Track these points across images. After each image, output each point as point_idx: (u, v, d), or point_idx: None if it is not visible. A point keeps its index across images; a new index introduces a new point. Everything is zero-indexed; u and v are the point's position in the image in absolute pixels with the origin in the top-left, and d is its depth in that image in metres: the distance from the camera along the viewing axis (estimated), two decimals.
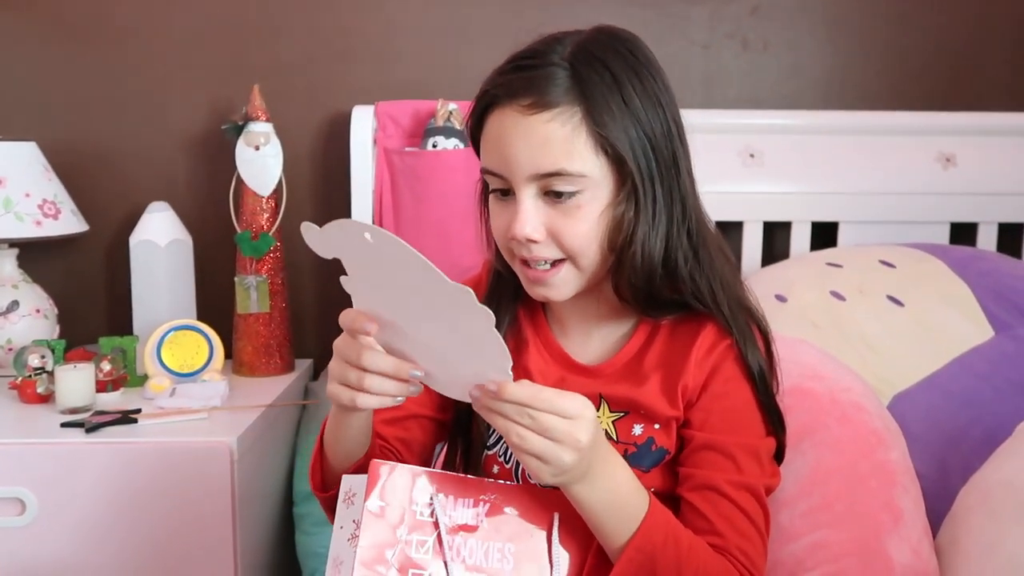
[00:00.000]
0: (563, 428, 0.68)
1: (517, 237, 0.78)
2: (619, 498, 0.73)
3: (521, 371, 0.88)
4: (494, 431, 0.91)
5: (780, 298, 1.41)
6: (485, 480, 0.78)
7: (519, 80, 0.78)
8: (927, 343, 1.32)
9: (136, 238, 1.61)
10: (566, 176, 0.77)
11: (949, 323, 1.33)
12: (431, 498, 0.74)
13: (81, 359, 1.48)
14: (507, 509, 0.76)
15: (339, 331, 0.74)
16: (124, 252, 1.65)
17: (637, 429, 0.83)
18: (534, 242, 0.79)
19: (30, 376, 1.42)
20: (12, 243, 1.59)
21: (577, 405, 0.69)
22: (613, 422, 0.84)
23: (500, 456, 0.89)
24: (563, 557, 0.75)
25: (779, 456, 0.85)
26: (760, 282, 1.48)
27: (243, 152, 1.58)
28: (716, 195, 1.69)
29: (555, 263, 0.80)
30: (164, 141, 1.75)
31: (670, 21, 1.76)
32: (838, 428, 0.98)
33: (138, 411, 1.35)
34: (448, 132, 1.60)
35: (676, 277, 0.80)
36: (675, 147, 0.80)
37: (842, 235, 1.71)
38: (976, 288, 1.37)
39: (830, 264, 1.45)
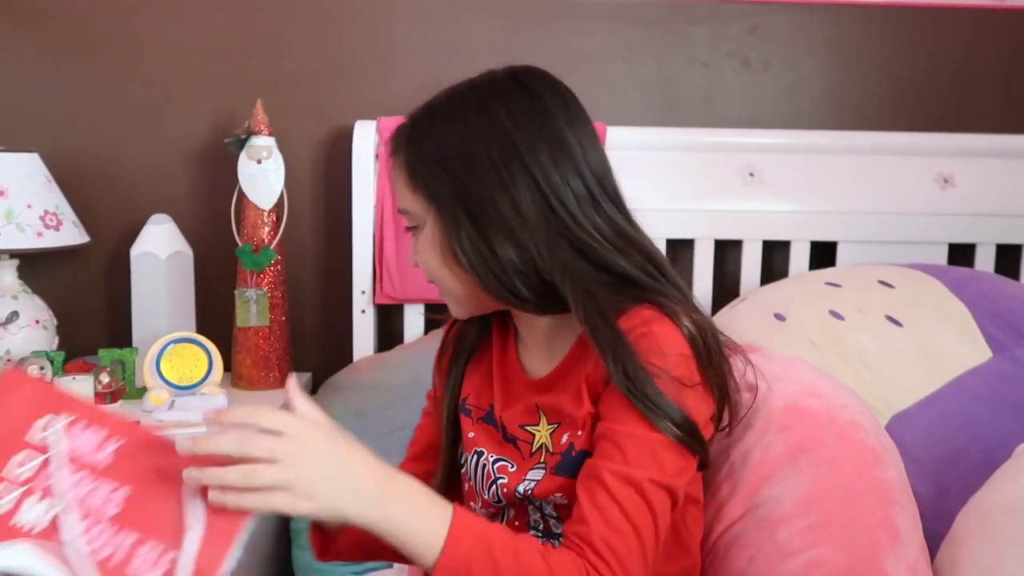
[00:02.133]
0: (266, 445, 0.69)
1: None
2: (404, 514, 0.72)
3: (484, 387, 0.95)
4: (463, 452, 0.96)
5: (779, 317, 1.41)
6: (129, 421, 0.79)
7: (393, 131, 0.91)
8: (925, 364, 1.32)
9: (137, 250, 1.62)
10: (402, 211, 0.89)
11: (947, 344, 1.34)
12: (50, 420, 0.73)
13: (80, 370, 1.48)
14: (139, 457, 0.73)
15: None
16: (125, 264, 1.65)
17: (564, 438, 0.86)
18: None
19: None
20: (13, 254, 1.60)
21: (275, 419, 0.71)
22: (550, 434, 0.87)
23: (469, 475, 0.94)
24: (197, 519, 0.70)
25: (702, 462, 0.82)
26: (759, 301, 1.49)
27: (245, 165, 1.59)
28: (716, 213, 1.72)
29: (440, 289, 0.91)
30: (166, 153, 1.76)
31: (671, 40, 1.77)
32: (835, 445, 0.98)
33: (136, 423, 1.35)
34: None
35: (532, 289, 0.83)
36: (507, 173, 0.83)
37: (840, 255, 1.72)
38: (974, 309, 1.38)
39: (829, 283, 1.46)
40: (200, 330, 1.63)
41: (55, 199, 1.62)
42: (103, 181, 1.76)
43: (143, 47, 1.75)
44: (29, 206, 1.56)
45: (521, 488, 0.88)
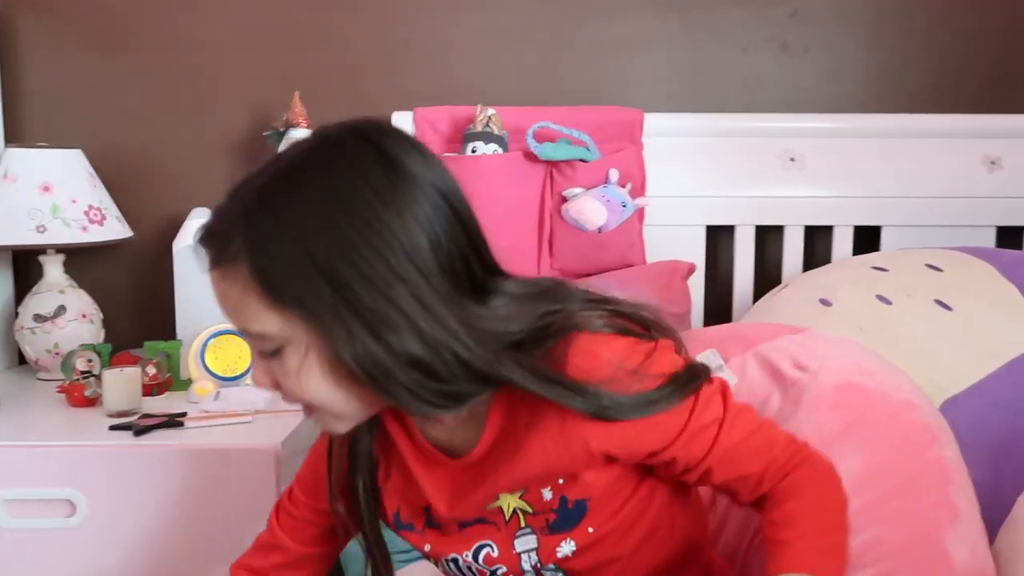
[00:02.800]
0: None
1: (258, 388, 0.74)
2: None
3: (414, 492, 0.81)
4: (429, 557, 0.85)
5: (824, 302, 1.39)
6: None
7: (199, 237, 0.71)
8: (976, 348, 1.29)
9: (179, 243, 1.63)
10: (253, 336, 0.70)
11: (998, 328, 1.31)
12: None
13: (127, 363, 1.50)
14: None
15: None
16: (167, 258, 1.67)
17: (547, 494, 0.77)
18: (275, 392, 0.73)
19: (77, 380, 1.44)
20: (59, 248, 1.62)
21: None
22: (521, 497, 0.78)
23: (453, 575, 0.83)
24: None
25: (691, 383, 0.74)
26: (803, 287, 1.47)
27: None
28: (756, 199, 1.70)
29: (306, 408, 0.74)
30: (207, 148, 1.77)
31: (709, 25, 1.75)
32: (890, 424, 0.96)
33: (183, 415, 1.36)
34: (487, 137, 1.60)
35: (456, 380, 0.69)
36: (395, 259, 0.67)
37: (885, 240, 1.69)
38: None
39: (875, 268, 1.44)
40: None
41: (99, 194, 1.64)
42: (145, 176, 1.78)
43: (181, 44, 1.77)
44: (74, 201, 1.58)
45: (526, 565, 0.79)
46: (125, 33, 1.76)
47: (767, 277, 1.74)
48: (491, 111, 1.62)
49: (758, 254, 1.74)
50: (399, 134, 0.72)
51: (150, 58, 1.77)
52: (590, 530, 0.77)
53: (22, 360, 1.74)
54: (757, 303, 1.54)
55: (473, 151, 1.60)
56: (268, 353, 0.70)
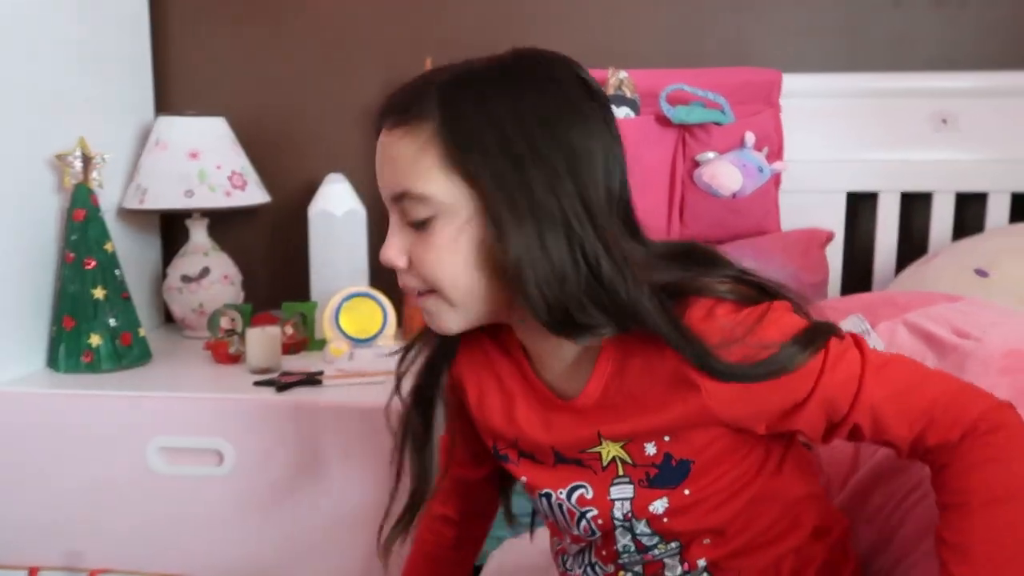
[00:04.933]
0: None
1: (383, 263, 0.74)
2: None
3: (509, 421, 0.81)
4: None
5: (980, 272, 1.31)
6: None
7: (388, 100, 0.73)
8: None
9: (314, 208, 1.68)
10: (413, 197, 0.70)
11: None
12: None
13: (266, 323, 1.56)
14: None
15: None
16: (302, 222, 1.72)
17: (650, 449, 0.76)
18: (401, 269, 0.73)
19: (222, 337, 1.51)
20: (204, 212, 1.69)
21: None
22: (623, 447, 0.76)
23: (545, 513, 0.83)
24: None
25: (813, 342, 0.70)
26: (956, 255, 1.39)
27: None
28: (903, 164, 1.61)
29: (423, 293, 0.74)
30: (341, 115, 1.81)
31: None
32: None
33: (321, 373, 1.41)
34: (619, 100, 1.57)
35: (586, 300, 0.69)
36: (558, 165, 0.68)
37: None
38: None
39: None
40: (373, 285, 1.68)
41: (241, 161, 1.70)
42: (282, 143, 1.84)
43: (318, 13, 1.80)
44: (219, 167, 1.65)
45: (618, 513, 0.78)
46: (265, 4, 1.82)
47: (911, 247, 1.65)
48: (623, 74, 1.59)
49: (903, 222, 1.65)
50: (594, 79, 0.74)
51: (288, 28, 1.82)
52: (687, 492, 0.76)
53: (168, 319, 1.84)
54: (903, 272, 1.46)
55: None
56: (418, 222, 0.71)
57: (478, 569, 1.32)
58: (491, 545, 1.33)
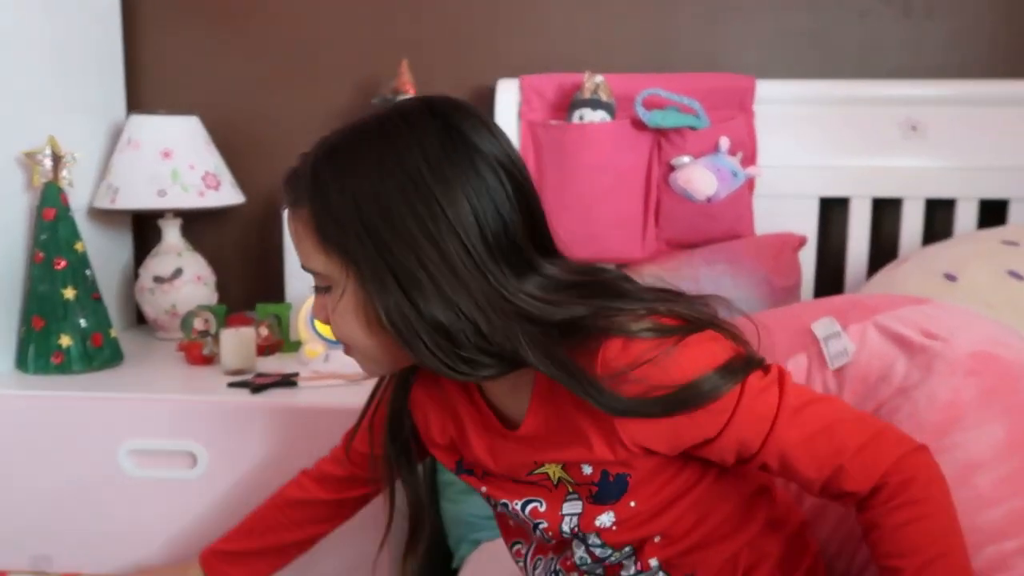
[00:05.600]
0: None
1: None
2: None
3: (465, 445, 0.86)
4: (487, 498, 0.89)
5: (949, 277, 1.33)
6: None
7: (283, 181, 0.80)
8: None
9: None
10: (308, 271, 0.78)
11: None
12: None
13: (240, 324, 1.55)
14: None
15: None
16: (278, 223, 1.71)
17: (586, 469, 0.78)
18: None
19: (196, 339, 1.50)
20: (177, 212, 1.68)
21: None
22: (562, 469, 0.80)
23: (509, 517, 0.88)
24: None
25: (730, 377, 0.72)
26: (925, 261, 1.41)
27: None
28: (873, 170, 1.63)
29: (345, 348, 0.82)
30: (316, 115, 1.80)
31: None
32: None
33: (296, 375, 1.40)
34: (595, 104, 1.58)
35: (474, 350, 0.73)
36: (434, 227, 0.71)
37: (1013, 213, 1.61)
38: None
39: (1006, 242, 1.37)
40: None
41: (214, 160, 1.69)
42: (256, 143, 1.82)
43: (292, 14, 1.80)
44: (192, 167, 1.63)
45: (566, 527, 0.82)
46: (238, 4, 1.80)
47: (882, 252, 1.67)
48: (599, 78, 1.59)
49: (874, 227, 1.68)
50: (469, 110, 0.77)
51: (262, 28, 1.81)
52: (632, 504, 0.78)
53: (140, 320, 1.82)
54: (874, 276, 1.49)
55: (580, 118, 1.58)
56: (321, 289, 0.79)
57: (455, 572, 1.32)
58: (467, 549, 1.33)
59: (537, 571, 0.90)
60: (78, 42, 1.64)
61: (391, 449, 0.92)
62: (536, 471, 0.81)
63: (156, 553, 1.32)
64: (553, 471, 0.81)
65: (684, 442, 0.75)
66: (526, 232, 0.75)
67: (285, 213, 0.81)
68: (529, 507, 0.84)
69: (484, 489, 0.87)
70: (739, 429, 0.72)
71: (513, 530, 0.93)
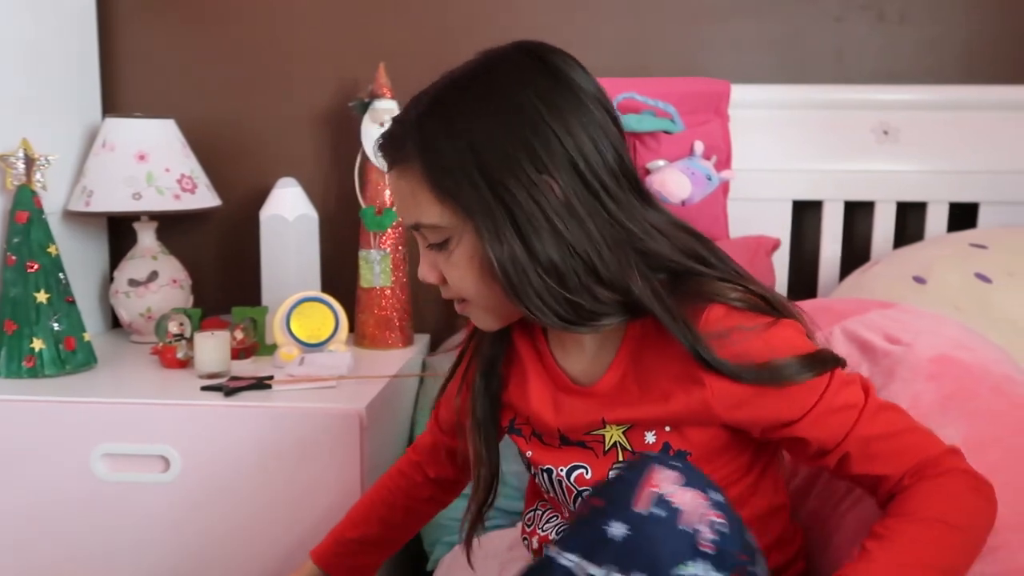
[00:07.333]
0: None
1: (422, 282, 0.82)
2: None
3: (523, 399, 0.86)
4: (528, 465, 0.90)
5: (918, 279, 1.35)
6: None
7: (380, 142, 0.80)
8: None
9: (266, 212, 1.67)
10: (423, 226, 0.78)
11: None
12: None
13: (216, 328, 1.54)
14: None
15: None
16: (254, 226, 1.71)
17: (650, 437, 0.79)
18: (438, 284, 0.81)
19: (170, 342, 1.49)
20: (152, 216, 1.67)
21: None
22: (623, 433, 0.80)
23: (545, 488, 0.88)
24: None
25: (822, 363, 0.75)
26: (895, 263, 1.43)
27: (369, 129, 1.61)
28: (847, 174, 1.65)
29: (460, 302, 0.82)
30: (293, 119, 1.80)
31: None
32: (991, 398, 0.92)
33: (271, 378, 1.40)
34: None
35: (584, 292, 0.74)
36: (552, 165, 0.72)
37: (983, 217, 1.63)
38: None
39: (974, 245, 1.38)
40: (325, 290, 1.68)
41: (190, 164, 1.68)
42: (233, 146, 1.82)
43: (269, 17, 1.79)
44: (167, 170, 1.63)
45: None
46: (215, 7, 1.80)
47: (855, 254, 1.69)
48: None
49: (846, 230, 1.69)
50: (562, 50, 0.78)
51: (239, 32, 1.80)
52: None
53: (115, 323, 1.81)
54: (846, 279, 1.50)
55: None
56: (435, 246, 0.78)
57: (429, 574, 1.32)
58: (442, 551, 1.33)
59: (546, 525, 0.91)
60: (53, 44, 1.64)
61: (483, 401, 0.89)
62: (595, 431, 0.82)
63: (129, 557, 1.32)
64: (612, 434, 0.81)
65: (765, 417, 0.76)
66: (630, 164, 0.77)
67: (387, 174, 0.80)
68: (575, 474, 0.83)
69: (529, 453, 0.87)
70: (823, 416, 0.74)
71: (543, 499, 0.93)
